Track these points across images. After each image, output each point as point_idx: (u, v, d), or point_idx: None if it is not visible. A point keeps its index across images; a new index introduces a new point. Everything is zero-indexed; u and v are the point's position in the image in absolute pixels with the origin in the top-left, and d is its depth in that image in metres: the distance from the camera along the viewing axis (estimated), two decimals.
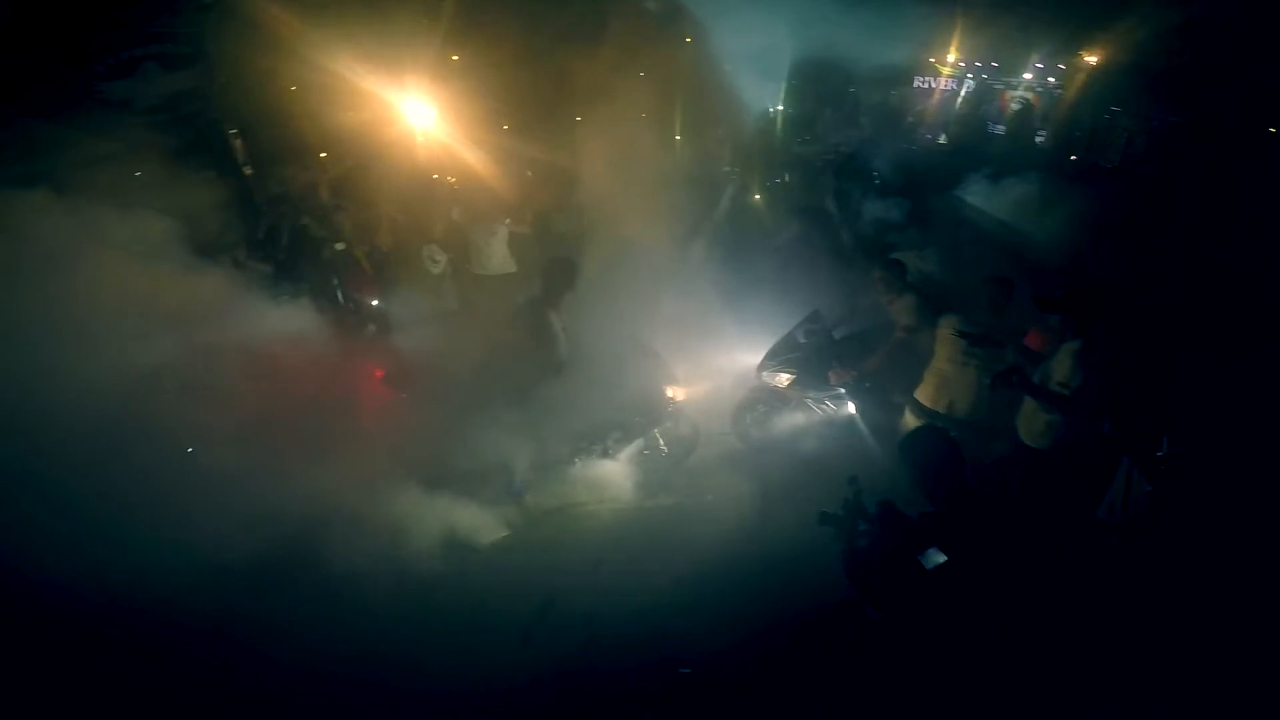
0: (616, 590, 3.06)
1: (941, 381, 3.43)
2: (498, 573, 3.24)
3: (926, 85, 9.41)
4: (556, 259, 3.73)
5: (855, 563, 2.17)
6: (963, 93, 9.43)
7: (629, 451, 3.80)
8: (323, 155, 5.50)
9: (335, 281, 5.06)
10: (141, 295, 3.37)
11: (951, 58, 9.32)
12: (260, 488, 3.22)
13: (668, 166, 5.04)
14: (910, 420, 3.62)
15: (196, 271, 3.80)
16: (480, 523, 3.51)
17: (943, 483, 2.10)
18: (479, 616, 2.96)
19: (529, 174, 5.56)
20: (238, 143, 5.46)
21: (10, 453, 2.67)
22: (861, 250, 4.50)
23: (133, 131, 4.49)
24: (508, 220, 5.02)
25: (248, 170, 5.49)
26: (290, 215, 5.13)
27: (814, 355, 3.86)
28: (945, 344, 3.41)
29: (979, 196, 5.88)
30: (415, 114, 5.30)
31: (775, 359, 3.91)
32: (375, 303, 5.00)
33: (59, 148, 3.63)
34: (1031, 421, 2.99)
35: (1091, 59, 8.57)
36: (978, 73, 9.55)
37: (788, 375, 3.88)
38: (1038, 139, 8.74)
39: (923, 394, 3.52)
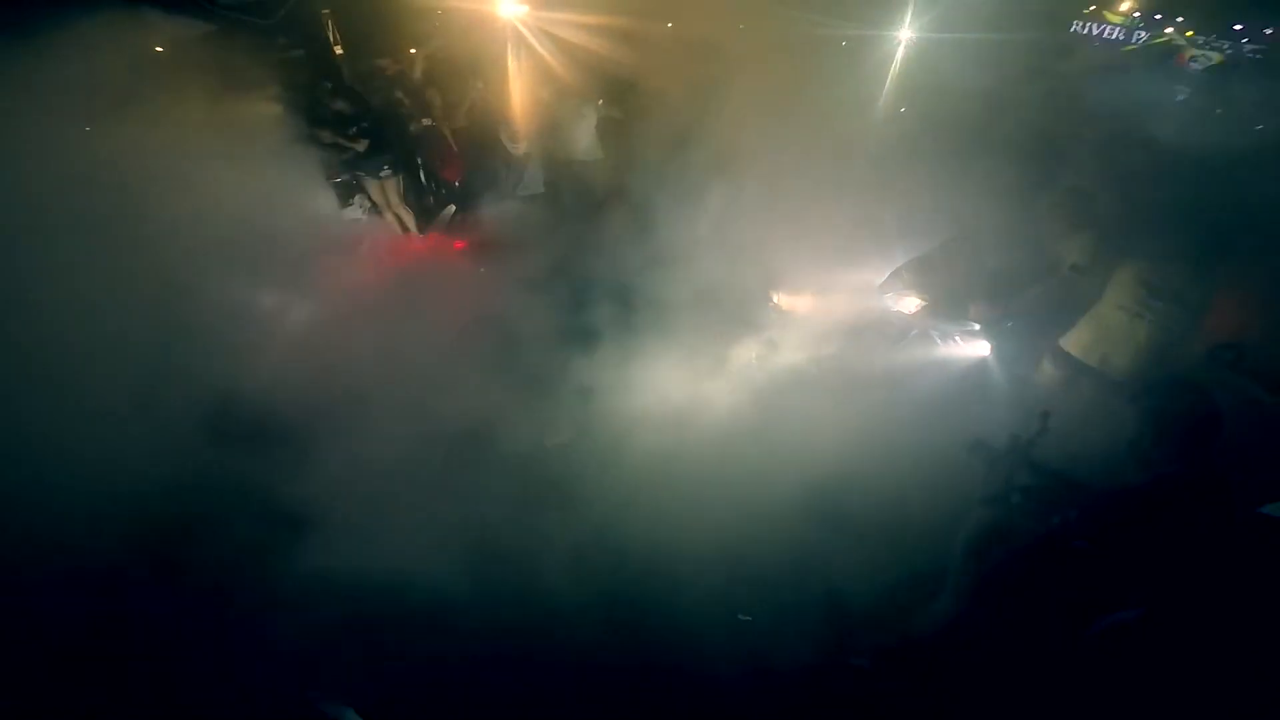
0: (681, 515, 2.69)
1: (1103, 330, 2.88)
2: (557, 478, 2.95)
3: (1086, 31, 8.02)
4: (655, 146, 3.30)
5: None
6: (1133, 45, 8.00)
7: (718, 361, 3.37)
8: (412, 51, 5.24)
9: (419, 159, 4.91)
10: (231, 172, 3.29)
11: (1126, 5, 7.93)
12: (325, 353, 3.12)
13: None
14: (1048, 370, 3.06)
15: (287, 150, 3.79)
16: (544, 419, 3.20)
17: (1179, 451, 1.67)
18: (534, 514, 2.73)
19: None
20: (330, 22, 5.31)
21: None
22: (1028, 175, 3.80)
23: (226, 10, 4.41)
24: (600, 101, 4.54)
25: (338, 50, 5.35)
26: (383, 92, 4.95)
27: (955, 282, 3.26)
28: (1120, 289, 2.84)
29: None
30: None
31: (906, 279, 3.33)
32: (457, 182, 4.77)
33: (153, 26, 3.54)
34: None
35: None
36: (1154, 25, 8.10)
37: (918, 301, 3.30)
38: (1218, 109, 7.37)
39: (1073, 342, 2.96)
